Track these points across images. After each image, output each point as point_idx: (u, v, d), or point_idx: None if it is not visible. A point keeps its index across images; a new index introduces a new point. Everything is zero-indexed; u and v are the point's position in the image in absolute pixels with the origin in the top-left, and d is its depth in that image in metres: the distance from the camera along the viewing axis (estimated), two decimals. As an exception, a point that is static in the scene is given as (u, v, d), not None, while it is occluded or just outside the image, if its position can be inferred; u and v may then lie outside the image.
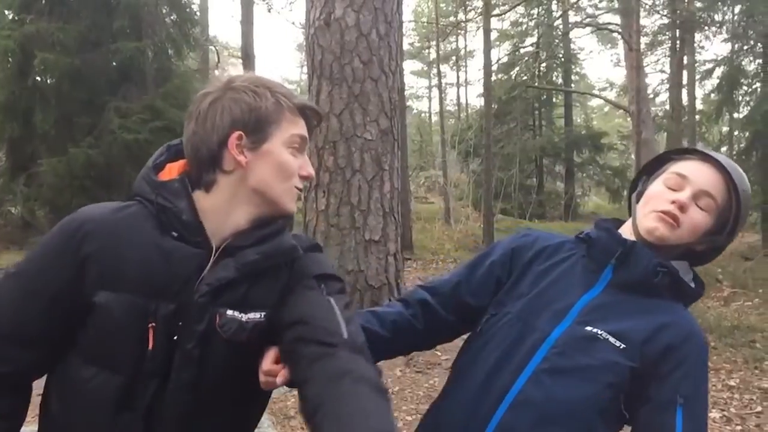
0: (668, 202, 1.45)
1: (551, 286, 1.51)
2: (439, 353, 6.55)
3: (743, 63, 18.07)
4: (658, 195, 1.48)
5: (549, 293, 1.50)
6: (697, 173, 1.47)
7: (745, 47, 17.94)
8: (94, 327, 1.24)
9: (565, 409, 1.39)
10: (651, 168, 1.60)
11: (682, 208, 1.44)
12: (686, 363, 1.41)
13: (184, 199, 1.26)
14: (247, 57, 16.59)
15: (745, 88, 17.87)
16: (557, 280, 1.51)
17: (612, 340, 1.41)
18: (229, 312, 1.25)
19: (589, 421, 1.40)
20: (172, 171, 1.32)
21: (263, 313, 1.27)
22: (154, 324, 1.22)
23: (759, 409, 5.05)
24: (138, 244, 1.24)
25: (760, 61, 17.44)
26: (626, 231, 1.53)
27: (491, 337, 1.51)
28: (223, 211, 1.28)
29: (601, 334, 1.41)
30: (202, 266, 1.25)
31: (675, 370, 1.40)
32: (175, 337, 1.23)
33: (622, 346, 1.40)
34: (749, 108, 17.14)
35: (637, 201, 1.54)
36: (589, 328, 1.43)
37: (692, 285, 1.51)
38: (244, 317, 1.26)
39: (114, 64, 12.03)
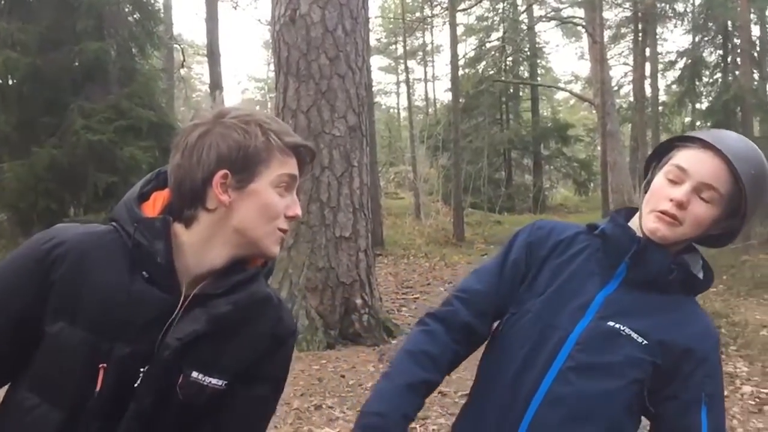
0: (667, 200, 1.42)
1: (568, 282, 1.50)
2: (411, 348, 6.57)
3: (704, 54, 18.41)
4: (658, 191, 1.45)
5: (567, 289, 1.49)
6: (696, 165, 1.41)
7: (706, 39, 18.27)
8: (44, 356, 1.19)
9: (594, 405, 1.41)
10: (658, 154, 1.55)
11: (681, 205, 1.40)
12: (707, 362, 1.43)
13: (163, 241, 1.20)
14: (213, 55, 16.46)
15: (705, 79, 18.21)
16: (573, 276, 1.50)
17: (634, 335, 1.42)
18: (194, 374, 1.21)
19: (617, 417, 1.43)
20: (156, 202, 1.27)
21: (225, 382, 1.25)
22: (105, 365, 1.17)
23: (725, 393, 5.16)
24: (104, 279, 1.20)
25: (721, 52, 17.79)
26: (637, 224, 1.51)
27: (514, 336, 1.51)
28: (200, 248, 1.23)
29: (623, 330, 1.42)
30: (167, 313, 1.21)
31: (698, 369, 1.42)
32: (136, 384, 1.19)
33: (644, 342, 1.41)
34: (710, 99, 17.47)
35: (645, 191, 1.51)
36: (611, 324, 1.43)
37: (701, 275, 1.52)
38: (206, 381, 1.23)
39: (76, 63, 11.82)
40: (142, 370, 1.19)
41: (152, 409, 1.20)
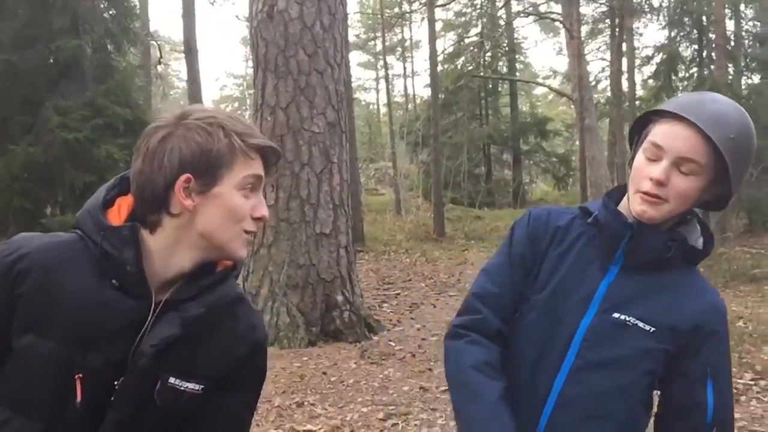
0: (647, 180, 1.39)
1: (569, 274, 1.48)
2: (393, 344, 6.59)
3: (680, 49, 18.61)
4: (638, 170, 1.43)
5: (568, 282, 1.48)
6: (670, 140, 1.38)
7: (681, 34, 18.45)
8: (15, 370, 1.18)
9: (608, 403, 1.42)
10: (638, 129, 1.51)
11: (660, 183, 1.37)
12: (714, 335, 1.43)
13: (132, 249, 1.18)
14: (190, 51, 16.31)
15: (681, 73, 18.40)
16: (573, 267, 1.49)
17: (641, 324, 1.41)
18: (171, 380, 1.21)
19: (632, 411, 1.44)
20: (121, 208, 1.25)
21: (202, 387, 1.25)
22: (81, 375, 1.16)
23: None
24: (73, 289, 1.18)
25: (696, 47, 17.98)
26: (627, 206, 1.49)
27: (522, 337, 1.50)
28: (167, 253, 1.22)
29: (629, 320, 1.42)
30: (139, 319, 1.20)
31: (705, 345, 1.42)
32: (112, 398, 1.18)
33: (652, 329, 1.41)
34: (687, 93, 17.62)
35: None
36: (616, 315, 1.43)
37: (701, 243, 1.50)
38: (183, 386, 1.23)
39: (51, 61, 11.66)
40: (116, 383, 1.18)
41: (134, 417, 1.20)
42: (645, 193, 1.40)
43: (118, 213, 1.24)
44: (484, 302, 1.53)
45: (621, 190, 1.54)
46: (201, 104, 1.32)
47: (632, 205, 1.44)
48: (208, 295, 1.24)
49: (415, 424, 4.49)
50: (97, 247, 1.19)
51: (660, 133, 1.40)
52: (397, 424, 4.50)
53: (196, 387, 1.24)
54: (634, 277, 1.45)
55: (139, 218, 1.22)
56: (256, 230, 1.27)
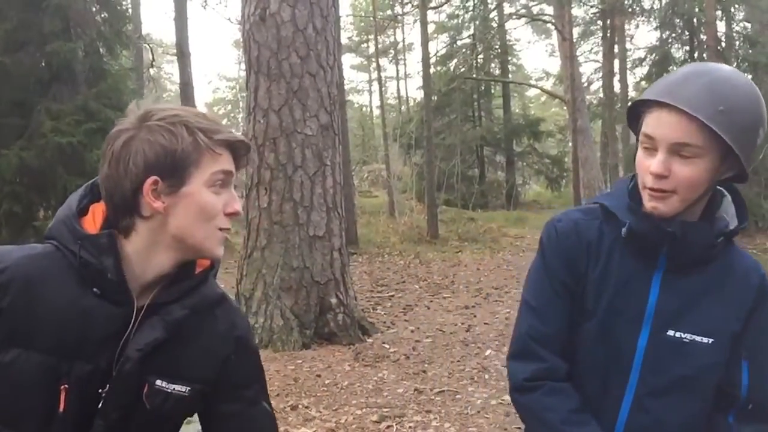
0: (648, 174, 1.33)
1: (615, 294, 1.41)
2: (387, 346, 6.59)
3: (671, 50, 18.71)
4: (640, 164, 1.37)
5: (616, 302, 1.41)
6: (660, 129, 1.31)
7: (673, 35, 18.55)
8: (1, 384, 1.17)
9: (679, 430, 1.39)
10: (634, 121, 1.43)
11: (660, 176, 1.31)
12: (757, 315, 1.40)
13: (111, 257, 1.18)
14: (182, 54, 16.26)
15: (673, 75, 18.48)
16: (618, 285, 1.41)
17: (698, 339, 1.37)
18: (158, 382, 1.22)
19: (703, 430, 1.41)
20: (96, 216, 1.24)
21: (188, 388, 1.25)
22: (67, 385, 1.17)
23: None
24: (55, 300, 1.17)
25: (687, 48, 18.07)
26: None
27: (580, 368, 1.45)
28: (144, 257, 1.21)
29: (685, 338, 1.37)
30: (123, 325, 1.20)
31: (747, 326, 1.39)
32: (100, 405, 1.19)
33: (710, 340, 1.37)
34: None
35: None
36: (671, 333, 1.38)
37: (734, 212, 1.44)
38: (170, 388, 1.23)
39: (43, 64, 11.63)
40: (101, 391, 1.19)
41: (122, 422, 1.20)
42: (650, 189, 1.34)
43: (93, 220, 1.24)
44: (542, 345, 1.45)
45: (636, 183, 1.45)
46: (164, 103, 1.31)
47: (644, 203, 1.37)
48: (191, 297, 1.24)
49: (410, 426, 4.49)
50: (75, 256, 1.18)
51: (650, 123, 1.34)
52: (392, 426, 4.50)
53: (183, 389, 1.24)
54: (680, 280, 1.40)
55: (112, 224, 1.21)
56: (230, 227, 1.26)
